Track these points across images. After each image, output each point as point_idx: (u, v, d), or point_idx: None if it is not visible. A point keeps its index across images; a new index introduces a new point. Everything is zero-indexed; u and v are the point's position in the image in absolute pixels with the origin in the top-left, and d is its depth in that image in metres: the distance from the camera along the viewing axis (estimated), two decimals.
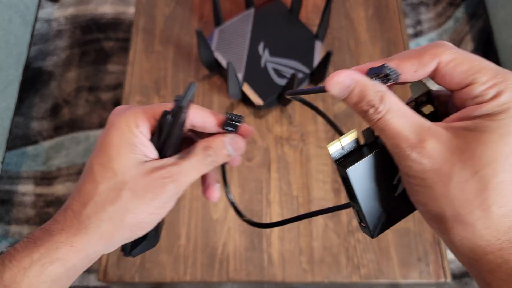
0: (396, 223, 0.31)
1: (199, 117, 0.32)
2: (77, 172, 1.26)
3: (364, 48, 0.93)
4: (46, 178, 1.25)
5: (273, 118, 0.85)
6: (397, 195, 0.30)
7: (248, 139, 0.34)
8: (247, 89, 0.83)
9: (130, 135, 0.29)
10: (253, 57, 0.86)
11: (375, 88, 0.25)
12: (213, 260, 0.74)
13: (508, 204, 0.23)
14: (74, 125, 1.32)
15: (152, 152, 0.30)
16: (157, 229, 0.35)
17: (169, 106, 0.31)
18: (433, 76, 0.26)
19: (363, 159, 0.29)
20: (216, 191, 0.35)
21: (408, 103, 0.29)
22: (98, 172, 0.29)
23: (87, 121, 1.32)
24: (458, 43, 1.43)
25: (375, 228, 0.30)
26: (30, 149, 1.29)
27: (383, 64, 0.26)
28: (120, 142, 0.29)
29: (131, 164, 0.29)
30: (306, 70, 0.85)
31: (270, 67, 0.85)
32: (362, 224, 0.31)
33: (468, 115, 0.24)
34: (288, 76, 0.84)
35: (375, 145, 0.29)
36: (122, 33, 1.44)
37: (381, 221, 0.30)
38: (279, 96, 0.83)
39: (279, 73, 0.85)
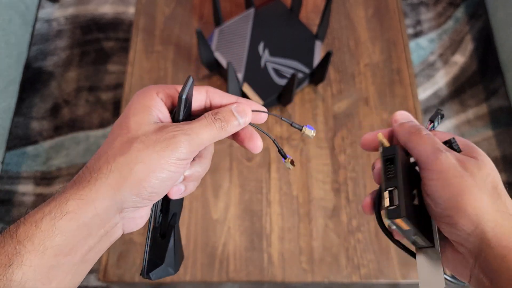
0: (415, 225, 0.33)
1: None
2: (77, 172, 1.26)
3: (364, 48, 0.93)
4: (46, 178, 1.25)
5: (273, 118, 0.85)
6: (414, 204, 0.34)
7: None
8: (247, 89, 0.83)
9: (148, 98, 0.32)
10: (253, 57, 0.86)
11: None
12: (213, 260, 0.74)
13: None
14: (74, 125, 1.32)
15: (166, 118, 0.32)
16: (176, 257, 0.35)
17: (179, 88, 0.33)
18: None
19: (399, 151, 0.34)
20: (259, 140, 0.36)
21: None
22: (115, 131, 0.31)
23: (87, 121, 1.32)
24: (458, 43, 1.43)
25: (404, 209, 0.32)
26: (30, 149, 1.29)
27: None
28: (138, 105, 0.31)
29: (144, 122, 0.30)
30: (306, 70, 0.85)
31: (270, 67, 0.85)
32: (392, 205, 0.33)
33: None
34: (288, 76, 0.84)
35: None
36: (122, 33, 1.44)
37: (409, 209, 0.33)
38: (279, 96, 0.83)
39: (279, 73, 0.85)
